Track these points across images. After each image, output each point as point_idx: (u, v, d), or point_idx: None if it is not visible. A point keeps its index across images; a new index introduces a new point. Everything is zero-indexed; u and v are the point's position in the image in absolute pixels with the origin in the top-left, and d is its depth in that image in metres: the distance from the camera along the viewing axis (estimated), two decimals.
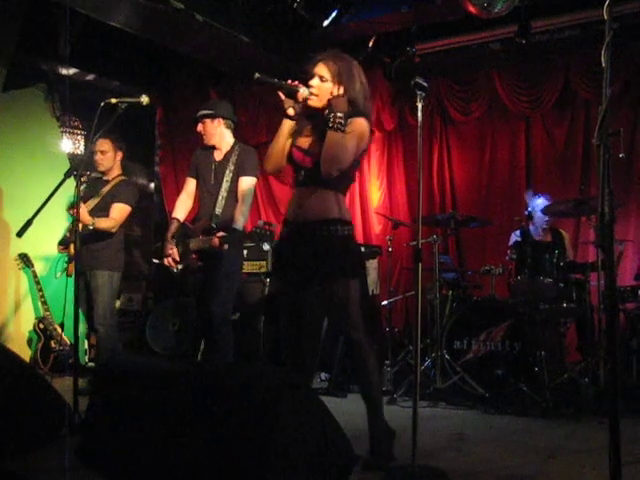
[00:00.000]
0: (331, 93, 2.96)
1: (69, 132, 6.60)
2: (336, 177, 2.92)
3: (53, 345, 5.72)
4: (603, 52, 2.18)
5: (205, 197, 4.32)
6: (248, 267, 5.54)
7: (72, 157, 6.55)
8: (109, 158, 4.83)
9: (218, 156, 4.34)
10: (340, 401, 4.64)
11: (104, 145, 4.81)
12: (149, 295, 6.81)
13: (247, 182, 4.23)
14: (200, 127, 4.33)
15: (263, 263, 5.47)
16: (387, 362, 5.03)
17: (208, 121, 4.30)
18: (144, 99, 3.76)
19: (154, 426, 2.44)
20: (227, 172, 4.24)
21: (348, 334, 3.03)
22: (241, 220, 4.15)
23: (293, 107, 2.99)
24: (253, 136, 7.19)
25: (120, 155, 4.92)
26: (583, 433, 3.74)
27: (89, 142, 4.13)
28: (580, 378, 4.48)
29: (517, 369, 4.48)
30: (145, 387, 2.53)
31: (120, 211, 4.75)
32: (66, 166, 5.38)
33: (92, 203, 4.75)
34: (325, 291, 2.99)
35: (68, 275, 4.77)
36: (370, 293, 5.60)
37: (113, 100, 3.68)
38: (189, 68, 6.98)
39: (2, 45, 5.23)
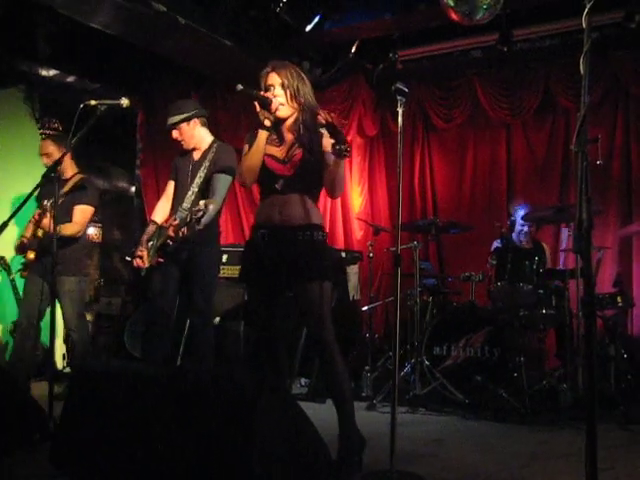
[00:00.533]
0: (298, 99, 3.02)
1: (49, 134, 6.53)
2: (314, 185, 3.05)
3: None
4: (582, 60, 2.19)
5: (178, 197, 4.22)
6: (228, 271, 5.51)
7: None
8: (55, 158, 4.58)
9: (196, 156, 4.24)
10: (319, 407, 4.62)
11: (47, 147, 4.72)
12: (128, 299, 6.75)
13: (221, 179, 4.08)
14: (176, 134, 4.20)
15: None
16: (367, 368, 5.02)
17: (184, 125, 4.18)
18: (124, 101, 3.72)
19: (129, 431, 2.41)
20: (202, 168, 4.12)
21: (319, 336, 3.03)
22: (205, 219, 3.83)
23: (268, 118, 3.01)
24: (235, 140, 7.15)
25: (68, 153, 4.80)
26: (561, 439, 3.76)
27: (68, 144, 4.03)
28: (559, 384, 4.50)
29: (496, 375, 4.50)
30: (121, 392, 2.50)
31: (82, 213, 4.64)
32: (45, 168, 5.30)
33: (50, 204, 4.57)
34: (299, 292, 3.00)
35: (22, 277, 4.72)
36: (351, 298, 5.60)
37: (93, 102, 3.63)
38: (171, 71, 6.94)
39: None
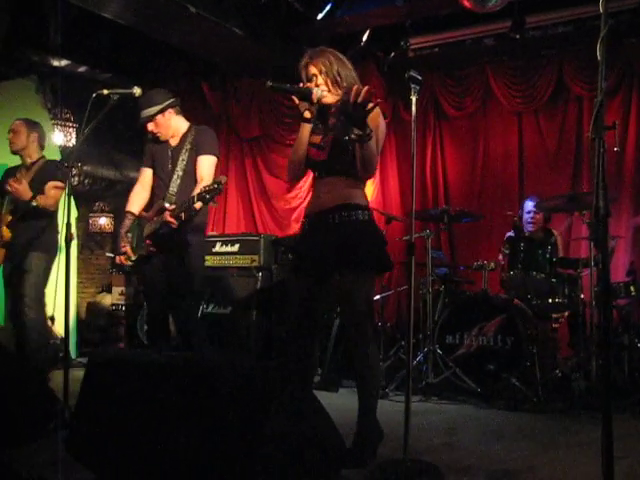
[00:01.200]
0: (341, 84, 2.97)
1: (60, 124, 6.55)
2: (352, 166, 2.92)
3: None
4: (598, 46, 2.17)
5: (160, 184, 4.06)
6: (240, 261, 5.53)
7: (63, 149, 6.51)
8: (21, 139, 4.65)
9: (174, 141, 4.09)
10: (331, 396, 4.64)
11: (16, 125, 4.68)
12: (140, 289, 6.78)
13: (206, 161, 3.98)
14: (152, 126, 4.05)
15: (255, 257, 5.45)
16: (379, 357, 5.02)
17: (159, 117, 4.02)
18: (136, 91, 3.72)
19: (145, 420, 2.42)
20: (183, 152, 3.99)
21: (357, 327, 3.00)
22: (200, 203, 3.73)
23: (309, 110, 2.95)
24: (246, 129, 7.18)
25: (35, 137, 4.71)
26: (574, 428, 3.75)
27: (80, 134, 4.02)
28: (572, 373, 4.49)
29: (509, 364, 4.49)
30: (136, 381, 2.51)
31: (55, 188, 4.54)
32: (57, 158, 5.33)
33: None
34: (337, 282, 2.96)
35: None
36: None
37: (105, 91, 3.63)
38: (181, 60, 6.94)
39: None
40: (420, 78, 2.94)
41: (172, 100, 4.08)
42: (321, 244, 2.95)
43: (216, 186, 3.54)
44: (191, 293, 4.02)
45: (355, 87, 2.69)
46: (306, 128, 2.97)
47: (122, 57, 6.59)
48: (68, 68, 6.47)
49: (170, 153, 4.04)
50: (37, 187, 4.51)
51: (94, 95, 3.62)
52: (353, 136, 2.75)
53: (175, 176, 3.95)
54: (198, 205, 3.64)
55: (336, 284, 2.96)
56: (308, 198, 3.47)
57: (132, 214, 4.08)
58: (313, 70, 2.98)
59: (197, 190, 3.68)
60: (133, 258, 3.95)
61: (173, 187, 3.93)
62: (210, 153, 4.00)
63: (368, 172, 2.97)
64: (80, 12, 5.32)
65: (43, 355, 4.57)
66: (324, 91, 2.95)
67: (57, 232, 4.63)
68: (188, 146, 3.99)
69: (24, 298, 4.45)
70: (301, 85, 2.96)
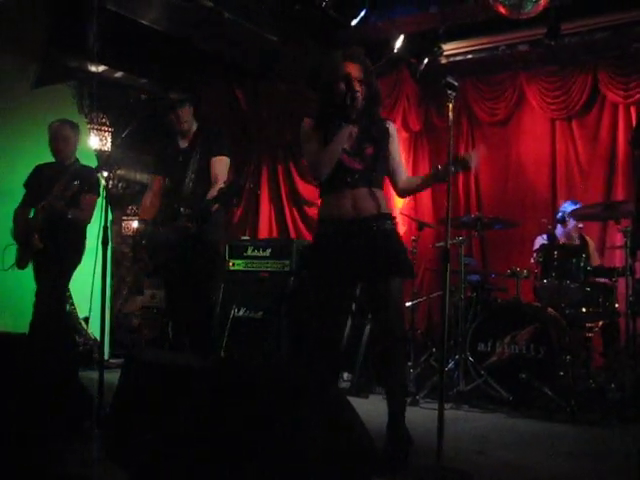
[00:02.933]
0: (367, 92, 3.02)
1: (97, 129, 6.66)
2: (382, 177, 3.13)
3: (78, 339, 5.77)
4: None
5: (172, 188, 4.02)
6: (271, 266, 5.55)
7: (99, 153, 6.61)
8: (71, 145, 4.72)
9: (183, 143, 4.08)
10: (362, 402, 4.62)
11: (65, 130, 4.70)
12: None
13: (220, 162, 3.93)
14: (180, 112, 4.02)
15: (286, 262, 5.46)
16: (410, 364, 5.01)
17: (187, 108, 4.05)
18: (173, 96, 3.78)
19: (181, 421, 2.45)
20: (194, 154, 3.94)
21: (391, 333, 3.00)
22: (216, 205, 3.74)
23: (352, 112, 2.98)
24: (278, 135, 7.21)
25: (77, 140, 4.79)
26: (608, 439, 3.70)
27: (117, 138, 4.10)
28: (605, 383, 4.43)
29: (542, 373, 4.44)
30: (173, 381, 2.54)
31: (90, 202, 4.60)
32: (93, 162, 5.40)
33: (56, 191, 4.58)
34: (376, 287, 2.98)
35: (20, 267, 4.62)
36: None
37: (142, 97, 3.69)
38: (215, 66, 7.00)
39: (33, 42, 5.29)
40: (456, 84, 2.95)
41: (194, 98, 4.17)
42: (361, 252, 2.97)
43: (234, 187, 3.54)
44: (212, 294, 4.14)
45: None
46: (347, 130, 2.99)
47: (157, 63, 6.67)
48: (105, 74, 6.57)
49: (181, 157, 4.01)
50: (73, 194, 4.56)
51: (132, 100, 3.68)
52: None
53: (188, 179, 3.91)
54: (215, 207, 3.62)
55: (376, 289, 2.98)
56: None
57: (145, 221, 4.06)
58: (352, 71, 2.99)
59: (214, 192, 3.65)
60: (151, 265, 3.93)
61: (187, 191, 3.89)
62: (223, 154, 3.96)
63: (399, 189, 3.24)
64: (118, 18, 5.41)
65: (71, 355, 4.65)
66: (360, 97, 2.97)
67: (84, 238, 4.71)
68: (199, 148, 3.96)
69: (39, 299, 4.57)
70: (355, 89, 2.96)
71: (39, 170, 4.80)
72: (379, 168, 3.07)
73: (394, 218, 3.12)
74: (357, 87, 2.98)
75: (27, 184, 4.79)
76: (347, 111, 2.95)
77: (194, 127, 4.09)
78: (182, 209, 3.70)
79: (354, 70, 3.00)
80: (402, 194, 3.28)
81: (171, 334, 4.48)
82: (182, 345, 4.07)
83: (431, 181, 3.20)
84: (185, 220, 3.65)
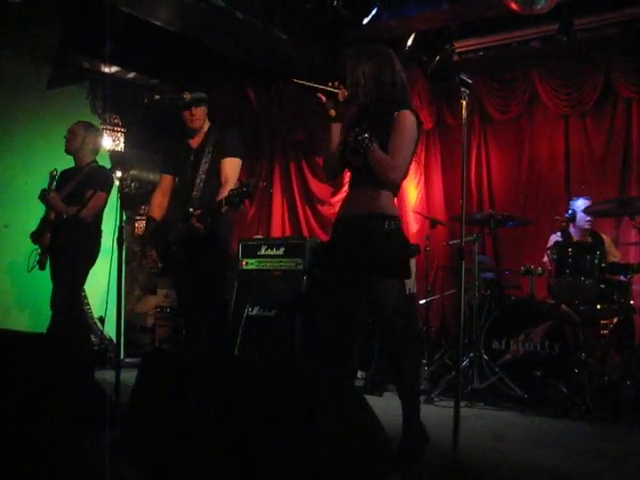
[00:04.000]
0: (362, 86, 2.97)
1: (109, 129, 6.69)
2: None
3: (93, 339, 5.81)
4: None
5: (182, 188, 3.98)
6: (285, 264, 5.56)
7: (112, 154, 6.64)
8: (77, 140, 4.79)
9: (195, 142, 4.02)
10: (376, 400, 4.63)
11: (74, 127, 4.83)
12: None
13: (231, 163, 3.87)
14: (195, 111, 3.96)
15: (300, 261, 5.47)
16: (424, 361, 5.01)
17: (202, 108, 4.01)
18: (186, 96, 3.79)
19: (197, 420, 2.46)
20: (205, 154, 3.89)
21: (387, 335, 3.02)
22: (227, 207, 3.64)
23: (334, 108, 2.99)
24: (291, 133, 7.22)
25: (90, 139, 4.85)
26: (625, 436, 3.70)
27: (130, 138, 4.13)
28: (621, 380, 4.41)
29: (556, 370, 4.43)
30: (190, 380, 2.55)
31: (95, 199, 4.66)
32: (106, 163, 5.44)
33: (66, 191, 4.71)
34: (368, 288, 2.98)
35: (41, 268, 4.72)
36: (407, 292, 5.59)
37: (156, 97, 3.71)
38: (227, 66, 7.01)
39: (47, 44, 5.32)
40: (470, 82, 2.93)
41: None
42: (351, 251, 2.98)
43: (245, 189, 3.45)
44: (223, 296, 4.02)
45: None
46: (333, 128, 3.02)
47: (170, 63, 6.69)
48: (118, 74, 6.61)
49: (192, 156, 3.96)
50: (80, 195, 4.67)
51: (145, 100, 3.70)
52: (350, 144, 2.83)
53: (198, 180, 3.86)
54: (225, 209, 3.56)
55: (370, 289, 2.99)
56: None
57: (153, 219, 4.05)
58: (347, 68, 3.00)
59: (224, 193, 3.61)
60: (160, 264, 3.88)
61: (197, 191, 3.84)
62: (234, 155, 3.91)
63: (384, 180, 2.98)
64: (130, 19, 5.43)
65: (87, 354, 4.70)
66: (351, 92, 2.96)
67: (97, 238, 4.78)
68: (210, 148, 3.91)
69: (55, 299, 4.65)
70: (329, 84, 2.97)
71: (62, 173, 4.91)
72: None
73: (391, 217, 3.00)
74: (339, 86, 2.97)
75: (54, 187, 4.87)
76: (328, 111, 2.99)
77: (206, 127, 4.06)
78: (192, 209, 3.68)
79: (348, 66, 3.00)
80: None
81: (184, 333, 4.48)
82: (195, 344, 4.04)
83: None
84: (195, 221, 3.62)
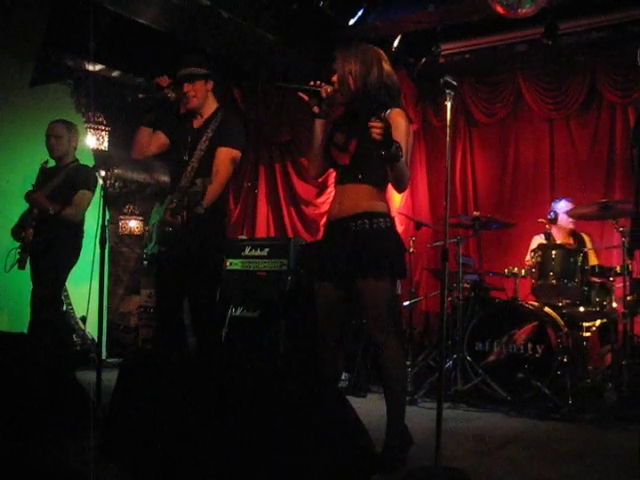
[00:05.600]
0: (351, 84, 2.98)
1: (93, 128, 6.64)
2: (375, 174, 2.97)
3: (75, 339, 5.76)
4: (639, 51, 2.15)
5: (173, 168, 3.79)
6: (269, 265, 5.55)
7: (96, 153, 6.59)
8: (64, 143, 4.75)
9: (197, 123, 3.78)
10: (360, 401, 4.63)
11: (58, 129, 4.74)
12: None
13: (225, 153, 3.64)
14: (189, 88, 3.69)
15: (284, 261, 5.46)
16: (407, 363, 5.01)
17: (201, 82, 3.73)
18: (170, 95, 3.75)
19: (179, 421, 2.44)
20: (203, 139, 3.65)
21: (372, 336, 3.02)
22: (209, 197, 3.46)
23: (318, 105, 2.99)
24: (276, 134, 7.21)
25: (74, 140, 4.83)
26: (606, 438, 3.71)
27: (114, 137, 4.10)
28: (603, 383, 4.44)
29: (539, 372, 4.45)
30: (171, 381, 2.53)
31: (80, 198, 4.64)
32: (90, 161, 5.39)
33: (48, 190, 4.66)
34: (357, 288, 2.97)
35: (21, 268, 4.61)
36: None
37: (141, 95, 3.67)
38: (213, 65, 6.98)
39: (30, 41, 5.27)
40: (455, 84, 2.94)
41: (215, 72, 3.84)
42: (341, 251, 2.96)
43: (199, 190, 3.28)
44: (209, 294, 3.81)
45: (370, 124, 2.65)
46: (317, 124, 3.02)
47: (154, 62, 6.65)
48: (102, 72, 6.56)
49: (190, 138, 3.72)
50: (65, 192, 4.63)
51: (130, 99, 3.66)
52: (382, 154, 2.70)
53: (189, 167, 3.64)
54: (202, 205, 3.36)
55: (357, 290, 2.97)
56: None
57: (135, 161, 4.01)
58: (335, 66, 3.02)
59: (213, 185, 3.44)
60: (145, 257, 3.76)
61: (185, 180, 3.61)
62: (231, 145, 3.67)
63: (401, 189, 3.03)
64: (115, 17, 5.39)
65: (67, 353, 4.66)
66: (334, 89, 2.96)
67: (80, 238, 4.73)
68: (210, 133, 3.67)
69: (35, 298, 4.61)
70: (310, 83, 2.97)
71: (42, 171, 4.84)
72: (365, 163, 2.95)
73: (383, 216, 2.97)
74: (332, 80, 2.98)
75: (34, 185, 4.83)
76: (311, 108, 2.98)
77: (210, 108, 3.78)
78: (170, 199, 3.52)
79: (335, 65, 3.01)
80: (393, 187, 3.04)
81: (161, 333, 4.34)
82: (174, 344, 3.88)
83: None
84: (168, 214, 3.46)
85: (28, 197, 4.63)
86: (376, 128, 2.63)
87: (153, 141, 3.82)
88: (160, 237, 3.67)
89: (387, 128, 2.64)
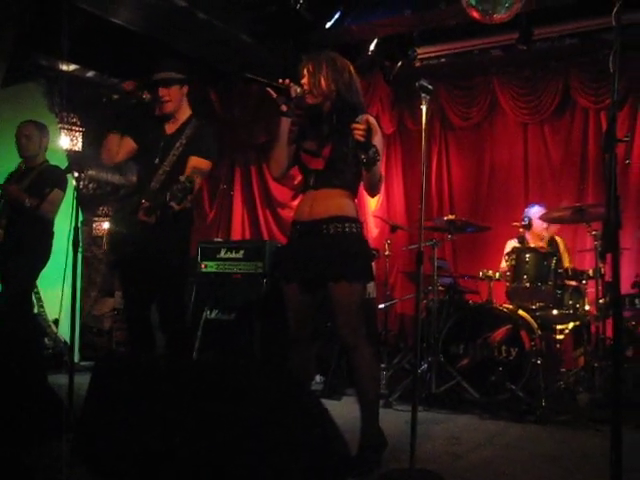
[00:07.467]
0: (323, 86, 3.00)
1: (67, 128, 6.57)
2: (349, 179, 3.01)
3: (47, 342, 5.69)
4: (611, 58, 2.17)
5: (144, 172, 3.73)
6: (244, 267, 5.52)
7: (70, 153, 6.53)
8: (35, 143, 4.73)
9: (170, 129, 3.74)
10: (335, 404, 4.62)
11: (29, 129, 4.72)
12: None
13: (197, 163, 3.61)
14: (165, 92, 3.66)
15: (260, 264, 5.44)
16: (382, 366, 5.02)
17: (177, 87, 3.69)
18: (146, 96, 3.72)
19: (152, 424, 2.42)
20: (176, 146, 3.62)
21: (343, 339, 3.02)
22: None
23: (286, 104, 2.99)
24: (252, 136, 7.18)
25: (45, 142, 4.80)
26: (579, 440, 3.74)
27: (88, 138, 4.07)
28: (576, 385, 4.49)
29: (513, 375, 4.48)
30: (143, 384, 2.51)
31: (52, 196, 4.61)
32: (63, 162, 5.33)
33: (23, 186, 4.63)
34: (329, 291, 2.97)
35: None
36: (367, 296, 5.60)
37: (116, 96, 3.64)
38: (189, 66, 6.94)
39: (2, 39, 5.20)
40: (431, 87, 2.96)
41: (189, 78, 3.80)
42: (312, 253, 2.97)
43: (188, 185, 3.24)
44: (177, 295, 3.79)
45: (353, 126, 2.69)
46: (283, 123, 3.02)
47: (130, 62, 6.60)
48: (76, 73, 6.48)
49: (163, 143, 3.68)
50: (37, 191, 4.58)
51: (104, 100, 3.63)
52: (362, 161, 2.73)
53: (161, 171, 3.60)
54: (174, 205, 3.31)
55: (329, 293, 2.97)
56: None
57: (104, 167, 3.99)
58: (304, 69, 3.04)
59: (169, 194, 3.36)
60: (111, 258, 3.73)
61: (156, 182, 3.58)
62: (204, 156, 3.65)
63: (375, 193, 3.09)
64: (90, 17, 5.33)
65: (40, 358, 4.60)
66: (305, 91, 2.99)
67: (51, 238, 4.68)
68: (184, 140, 3.65)
69: (7, 298, 4.56)
70: (279, 81, 2.98)
71: (18, 169, 4.79)
72: (340, 168, 2.97)
73: (355, 221, 3.00)
74: (303, 82, 2.99)
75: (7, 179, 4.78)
76: (279, 106, 2.98)
77: (184, 115, 3.77)
78: (143, 201, 3.46)
79: (304, 67, 3.04)
80: (366, 191, 3.10)
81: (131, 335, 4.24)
82: (144, 346, 3.82)
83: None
84: (142, 214, 3.42)
85: (3, 189, 4.57)
86: (359, 130, 2.66)
87: (122, 147, 3.78)
88: (127, 233, 3.59)
89: (369, 131, 2.66)
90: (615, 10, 2.21)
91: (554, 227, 5.66)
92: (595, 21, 5.53)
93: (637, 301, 4.85)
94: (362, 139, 2.66)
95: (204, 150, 3.66)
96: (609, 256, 2.10)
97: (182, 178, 3.27)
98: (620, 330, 2.00)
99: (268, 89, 2.98)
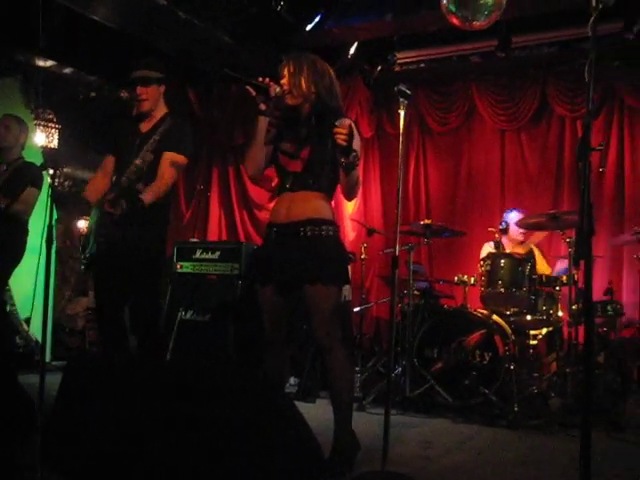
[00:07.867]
0: (304, 88, 2.99)
1: (43, 125, 6.48)
2: (326, 182, 3.01)
3: (18, 341, 5.61)
4: (587, 68, 2.19)
5: (117, 170, 3.71)
6: (220, 269, 5.49)
7: (45, 150, 6.45)
8: (13, 136, 4.70)
9: (145, 127, 3.74)
10: (309, 406, 4.61)
11: (9, 121, 4.71)
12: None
13: (172, 158, 3.62)
14: (142, 91, 3.66)
15: (236, 265, 5.41)
16: (357, 369, 5.02)
17: (155, 86, 3.71)
18: (124, 94, 3.69)
19: (123, 425, 2.40)
20: (150, 142, 3.62)
21: (318, 342, 3.02)
22: (150, 195, 3.49)
23: (265, 103, 2.98)
24: (230, 137, 7.17)
25: (23, 138, 4.78)
26: (551, 445, 3.77)
27: (64, 136, 4.02)
28: (548, 390, 4.53)
29: (487, 379, 4.51)
30: (115, 384, 2.49)
31: (26, 194, 4.55)
32: (39, 159, 5.27)
33: None
34: (303, 293, 2.96)
35: None
36: (343, 299, 5.60)
37: (93, 94, 3.61)
38: (168, 65, 6.90)
39: None
40: (409, 92, 2.97)
41: (166, 77, 3.81)
42: (289, 256, 2.96)
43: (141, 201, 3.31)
44: (151, 296, 3.77)
45: (336, 130, 2.68)
46: (260, 121, 3.00)
47: (108, 60, 6.54)
48: (53, 69, 6.42)
49: (137, 140, 3.68)
50: (12, 189, 4.51)
51: (81, 97, 3.59)
52: (342, 165, 2.75)
53: (133, 166, 3.60)
54: (144, 197, 3.36)
55: (305, 295, 2.97)
56: None
57: (90, 202, 3.75)
58: (284, 70, 3.02)
59: (153, 188, 3.49)
60: (84, 257, 3.63)
61: (127, 176, 3.58)
62: (177, 151, 3.65)
63: (352, 197, 3.07)
64: (67, 13, 5.28)
65: (10, 357, 4.54)
66: (285, 91, 2.97)
67: (25, 235, 4.62)
68: (157, 137, 3.64)
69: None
70: (259, 79, 2.96)
71: None
72: (317, 170, 2.98)
73: (331, 224, 3.00)
74: (282, 82, 2.98)
75: None
76: (258, 104, 2.97)
77: (160, 113, 3.77)
78: (110, 192, 3.48)
79: (284, 68, 3.02)
80: (344, 195, 3.08)
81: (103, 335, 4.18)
82: (116, 346, 3.69)
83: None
84: (107, 205, 3.41)
85: None
86: (341, 134, 2.65)
87: (106, 171, 3.81)
88: (99, 231, 3.56)
89: (350, 135, 2.66)
90: (591, 20, 2.23)
91: (535, 238, 5.70)
92: (573, 31, 5.60)
93: (609, 308, 4.92)
94: (344, 143, 2.66)
95: (179, 146, 3.66)
96: (582, 263, 2.12)
97: (140, 188, 3.34)
98: (591, 336, 2.02)
99: (247, 87, 2.96)
